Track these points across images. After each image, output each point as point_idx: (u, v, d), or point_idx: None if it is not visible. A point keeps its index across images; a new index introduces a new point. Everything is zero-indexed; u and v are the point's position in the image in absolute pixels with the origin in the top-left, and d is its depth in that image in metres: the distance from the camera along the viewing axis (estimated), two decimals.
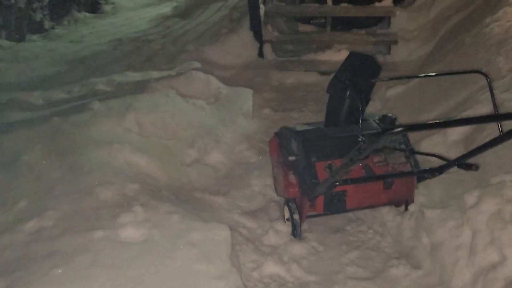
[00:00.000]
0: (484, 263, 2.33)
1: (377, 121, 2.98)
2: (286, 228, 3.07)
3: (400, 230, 3.00)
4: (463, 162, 2.12)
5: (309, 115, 4.85)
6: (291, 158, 2.95)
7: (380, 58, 5.78)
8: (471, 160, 2.36)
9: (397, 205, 3.07)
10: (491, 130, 3.29)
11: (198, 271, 2.23)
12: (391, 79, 2.21)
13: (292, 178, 2.96)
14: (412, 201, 2.91)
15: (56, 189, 2.79)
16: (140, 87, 4.88)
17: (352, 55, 3.14)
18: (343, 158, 2.73)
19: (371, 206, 2.99)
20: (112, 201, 2.67)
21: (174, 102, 4.54)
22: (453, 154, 3.33)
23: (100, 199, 2.67)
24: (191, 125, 4.24)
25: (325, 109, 3.21)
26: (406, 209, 3.01)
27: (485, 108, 3.48)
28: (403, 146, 2.85)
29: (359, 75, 3.00)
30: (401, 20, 5.98)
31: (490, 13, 4.52)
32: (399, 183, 2.78)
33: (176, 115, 4.28)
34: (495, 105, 2.15)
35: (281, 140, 3.28)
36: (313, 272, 2.77)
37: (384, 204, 2.96)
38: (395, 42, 5.73)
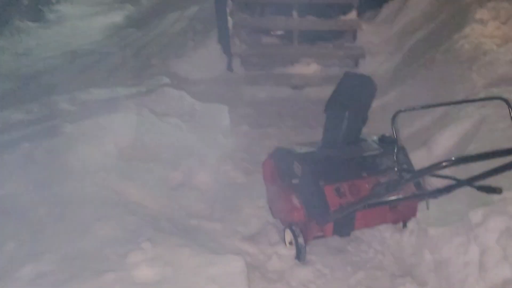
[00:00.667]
0: (497, 279, 2.40)
1: (377, 141, 3.02)
2: (288, 252, 3.02)
3: (400, 247, 3.04)
4: (485, 185, 2.15)
5: (287, 132, 4.84)
6: (295, 181, 2.91)
7: None
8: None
9: (395, 221, 3.11)
10: (477, 145, 3.45)
11: None
12: (414, 109, 2.22)
13: (296, 201, 2.91)
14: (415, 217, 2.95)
15: (47, 228, 2.57)
16: (109, 106, 4.63)
17: (347, 75, 3.16)
18: (349, 180, 2.75)
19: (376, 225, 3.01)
20: (114, 237, 2.50)
21: (150, 121, 4.36)
22: None
23: (101, 236, 2.50)
24: (171, 146, 4.09)
25: (323, 130, 3.18)
26: (404, 226, 3.06)
27: (467, 123, 3.65)
28: (405, 167, 2.88)
29: (357, 95, 3.02)
30: (366, 33, 6.13)
31: (457, 29, 4.74)
32: (404, 202, 2.81)
33: (155, 136, 4.11)
34: None
35: (278, 162, 3.24)
36: None
37: (389, 223, 2.98)
38: (363, 56, 5.86)
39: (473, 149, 3.45)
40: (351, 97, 3.03)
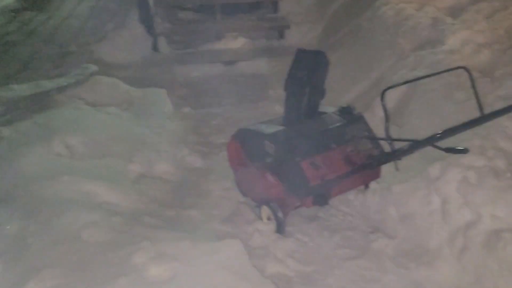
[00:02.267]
0: (460, 223, 2.75)
1: (338, 113, 3.21)
2: (267, 227, 3.15)
3: (365, 207, 3.32)
4: (451, 147, 2.38)
5: (230, 109, 4.90)
6: (269, 160, 3.02)
7: (275, 43, 6.04)
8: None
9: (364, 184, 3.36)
10: (416, 105, 3.81)
11: None
12: (398, 85, 2.41)
13: (272, 179, 3.03)
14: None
15: (32, 243, 2.43)
16: (40, 102, 4.33)
17: (301, 52, 3.27)
18: (322, 153, 2.92)
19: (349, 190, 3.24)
20: (108, 241, 2.44)
21: (89, 114, 4.17)
22: (381, 130, 3.76)
23: (95, 242, 2.42)
24: (120, 138, 3.97)
25: (284, 107, 3.30)
26: (367, 187, 3.33)
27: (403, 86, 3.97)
28: (366, 133, 3.13)
29: (313, 70, 3.16)
30: (286, 3, 6.27)
31: None
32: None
33: (101, 129, 3.96)
34: (479, 103, 2.40)
35: (244, 143, 3.32)
36: (309, 262, 2.92)
37: (359, 186, 3.23)
38: (288, 27, 6.01)
39: (413, 109, 3.83)
40: (308, 73, 3.16)
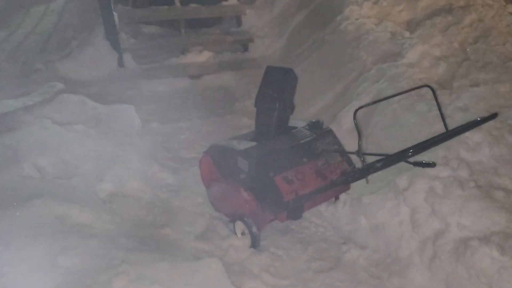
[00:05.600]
0: (429, 232, 2.88)
1: (307, 127, 3.31)
2: (242, 242, 3.19)
3: (336, 218, 3.42)
4: (419, 161, 2.51)
5: (198, 123, 4.91)
6: (242, 176, 3.07)
7: (239, 56, 6.11)
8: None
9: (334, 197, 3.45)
10: (379, 117, 3.95)
11: None
12: (369, 104, 2.52)
13: (246, 195, 3.08)
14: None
15: (8, 272, 2.38)
16: (6, 123, 4.20)
17: (271, 69, 3.35)
18: (294, 167, 3.00)
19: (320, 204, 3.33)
20: (87, 266, 2.42)
21: (56, 133, 4.09)
22: (347, 141, 3.89)
23: (72, 268, 2.40)
24: (90, 156, 3.92)
25: (255, 123, 3.36)
26: (337, 198, 3.44)
27: (367, 98, 4.13)
28: (336, 147, 3.23)
29: (282, 86, 3.25)
30: (249, 17, 6.36)
31: (338, 11, 5.22)
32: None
33: (70, 148, 3.89)
34: (444, 120, 2.52)
35: (217, 159, 3.36)
36: (284, 276, 2.98)
37: (329, 199, 3.33)
38: (251, 40, 6.10)
39: (376, 121, 3.98)
40: (278, 89, 3.24)
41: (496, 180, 2.95)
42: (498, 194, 2.85)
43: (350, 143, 3.67)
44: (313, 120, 3.32)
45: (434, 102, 2.64)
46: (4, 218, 2.75)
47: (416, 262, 2.80)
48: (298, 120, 3.48)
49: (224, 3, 6.39)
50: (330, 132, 3.28)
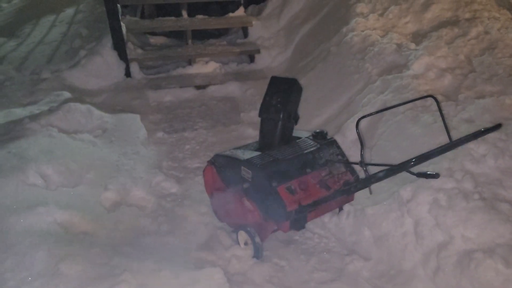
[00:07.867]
0: (433, 244, 2.85)
1: (311, 137, 3.31)
2: (244, 252, 3.18)
3: (340, 229, 3.39)
4: (423, 172, 2.49)
5: (203, 133, 4.93)
6: (245, 186, 3.07)
7: (246, 67, 6.15)
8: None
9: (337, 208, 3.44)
10: (384, 128, 3.94)
11: None
12: (371, 114, 2.52)
13: (249, 204, 3.08)
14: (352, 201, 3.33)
15: (10, 278, 2.38)
16: (12, 131, 4.25)
17: (276, 80, 3.36)
18: (297, 178, 2.99)
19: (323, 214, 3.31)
20: (89, 274, 2.42)
21: (64, 142, 4.13)
22: (352, 152, 3.89)
23: (74, 276, 2.40)
24: (95, 165, 3.95)
25: (259, 133, 3.37)
26: (341, 209, 3.42)
27: (372, 109, 4.12)
28: (340, 157, 3.23)
29: (287, 96, 3.26)
30: (256, 29, 6.41)
31: (344, 23, 5.24)
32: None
33: (75, 157, 3.92)
34: (448, 130, 2.51)
35: (220, 169, 3.36)
36: (287, 287, 2.98)
37: (333, 210, 3.31)
38: (258, 51, 6.14)
39: (381, 132, 3.96)
40: (283, 99, 3.25)
41: (501, 192, 2.92)
42: (503, 207, 2.82)
43: (355, 154, 3.66)
44: (317, 130, 3.31)
45: (439, 113, 2.64)
46: (8, 225, 2.77)
47: (419, 274, 2.77)
48: (302, 131, 3.48)
49: (231, 14, 6.45)
50: (334, 142, 3.27)
